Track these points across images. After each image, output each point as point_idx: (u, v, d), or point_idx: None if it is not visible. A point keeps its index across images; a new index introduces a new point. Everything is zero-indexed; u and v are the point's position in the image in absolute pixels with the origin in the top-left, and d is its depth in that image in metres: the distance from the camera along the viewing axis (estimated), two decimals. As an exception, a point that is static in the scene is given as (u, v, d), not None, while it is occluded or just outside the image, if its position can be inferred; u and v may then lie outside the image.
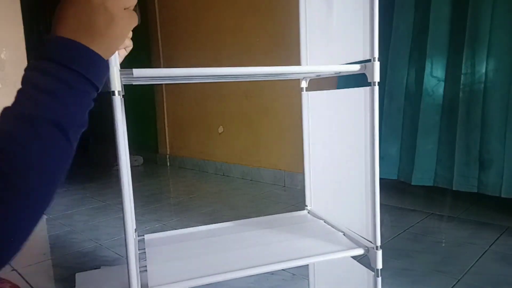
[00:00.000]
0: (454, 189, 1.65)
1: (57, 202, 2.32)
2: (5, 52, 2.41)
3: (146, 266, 0.59)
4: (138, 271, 0.53)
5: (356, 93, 0.67)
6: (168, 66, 3.27)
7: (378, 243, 0.61)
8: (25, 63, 2.53)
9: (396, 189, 2.35)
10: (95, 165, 3.70)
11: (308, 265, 0.89)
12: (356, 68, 0.63)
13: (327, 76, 0.76)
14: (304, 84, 0.90)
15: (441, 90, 1.70)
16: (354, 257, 0.70)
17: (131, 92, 3.83)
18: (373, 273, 0.63)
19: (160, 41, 3.34)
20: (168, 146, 3.48)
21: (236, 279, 0.96)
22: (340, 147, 0.73)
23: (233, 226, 0.78)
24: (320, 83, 1.03)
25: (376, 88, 0.61)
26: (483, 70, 1.56)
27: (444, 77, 1.69)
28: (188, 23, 3.04)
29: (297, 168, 2.40)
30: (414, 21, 1.74)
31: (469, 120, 1.61)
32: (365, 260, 0.66)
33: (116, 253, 1.48)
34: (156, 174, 3.13)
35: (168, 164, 3.47)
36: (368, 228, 0.63)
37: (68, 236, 1.72)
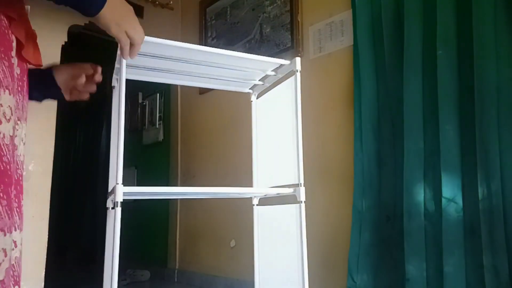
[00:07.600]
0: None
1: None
2: (33, 164, 2.46)
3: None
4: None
5: (290, 208, 1.07)
6: (185, 177, 3.37)
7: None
8: (49, 176, 2.54)
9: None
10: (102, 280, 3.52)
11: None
12: (290, 190, 1.04)
13: (271, 196, 1.14)
14: (255, 201, 1.27)
15: (460, 209, 1.66)
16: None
17: (146, 204, 3.81)
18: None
19: (179, 156, 3.50)
20: (177, 260, 3.34)
21: None
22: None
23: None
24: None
25: (303, 205, 1.02)
26: (500, 192, 1.55)
27: (461, 199, 1.67)
28: (205, 141, 3.22)
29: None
30: (424, 145, 1.80)
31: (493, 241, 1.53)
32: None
33: None
34: (163, 291, 2.94)
35: (176, 279, 3.28)
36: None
37: None
